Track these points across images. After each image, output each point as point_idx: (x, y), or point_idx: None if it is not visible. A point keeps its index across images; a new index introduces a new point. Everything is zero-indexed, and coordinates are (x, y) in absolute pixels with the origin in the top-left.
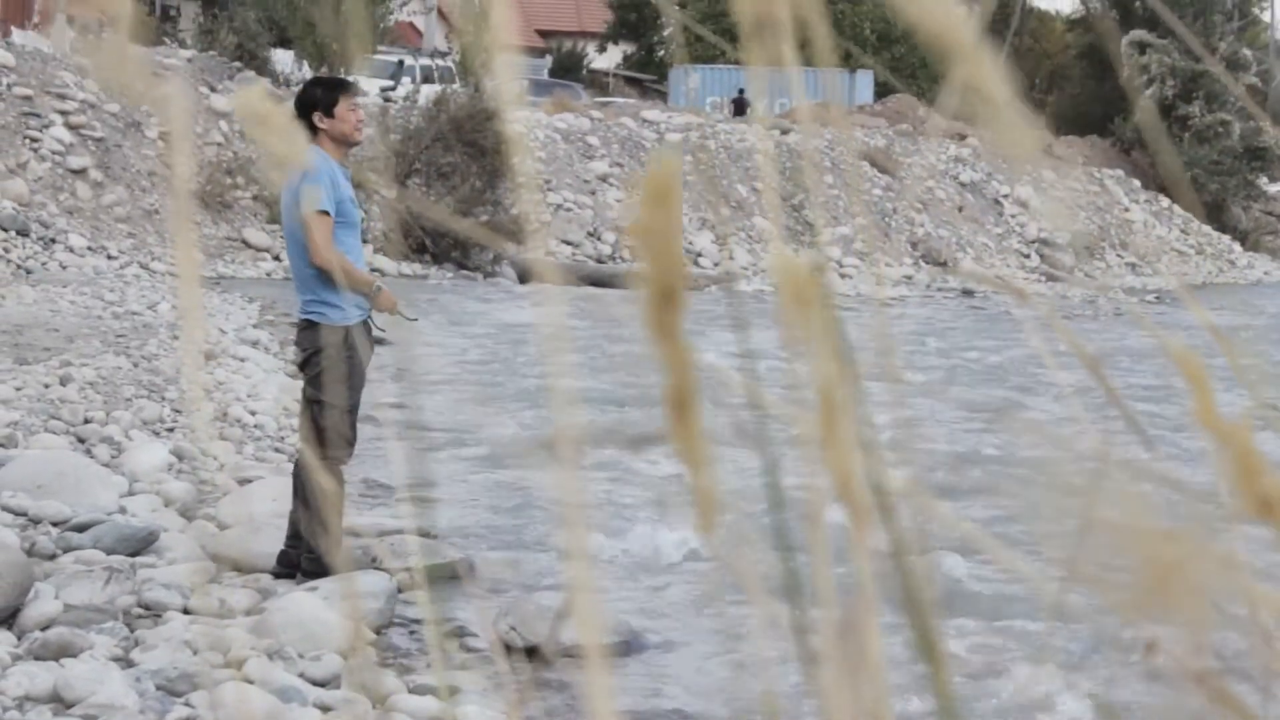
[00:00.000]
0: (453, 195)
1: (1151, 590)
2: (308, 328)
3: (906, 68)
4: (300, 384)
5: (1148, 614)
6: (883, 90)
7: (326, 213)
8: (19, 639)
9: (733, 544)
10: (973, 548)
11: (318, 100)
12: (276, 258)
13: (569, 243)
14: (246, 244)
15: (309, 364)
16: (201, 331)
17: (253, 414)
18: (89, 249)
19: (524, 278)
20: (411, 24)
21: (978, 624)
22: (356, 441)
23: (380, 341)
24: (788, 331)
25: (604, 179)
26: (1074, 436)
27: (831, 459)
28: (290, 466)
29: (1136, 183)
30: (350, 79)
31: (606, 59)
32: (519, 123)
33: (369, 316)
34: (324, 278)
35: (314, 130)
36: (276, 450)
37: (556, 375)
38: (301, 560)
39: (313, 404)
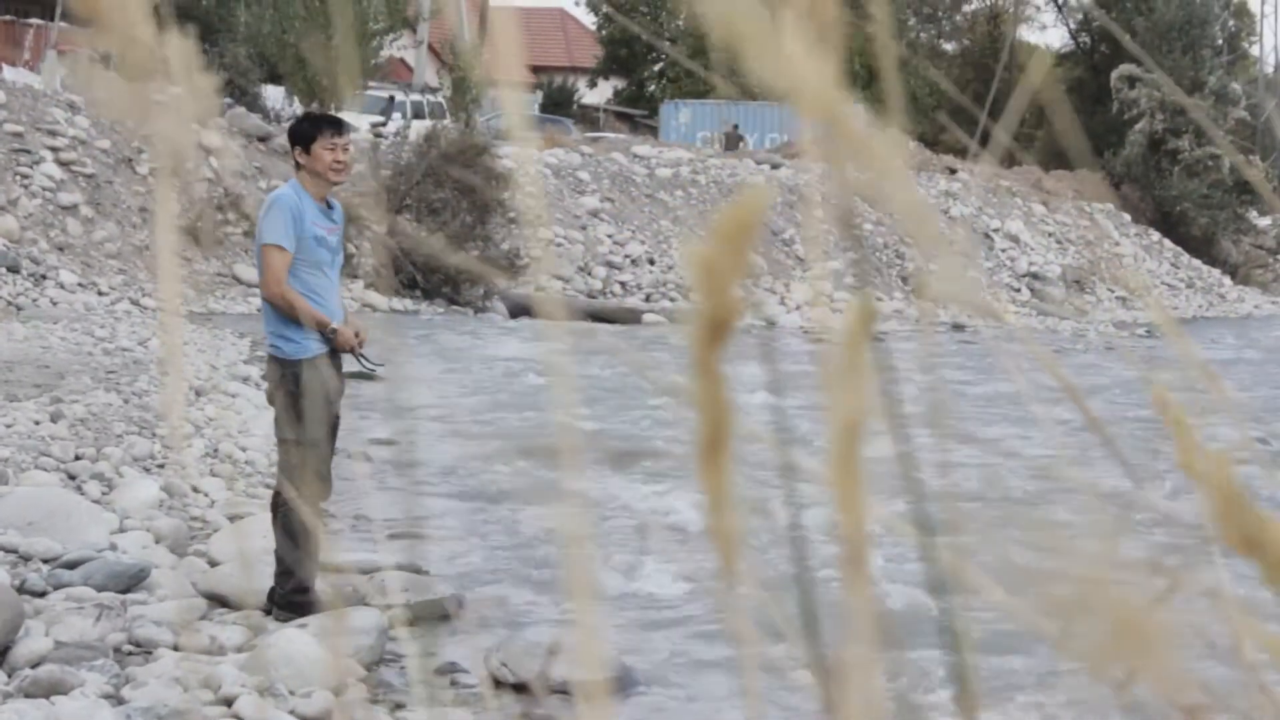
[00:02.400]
0: (443, 231)
1: (1116, 647)
2: (271, 361)
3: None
4: None
5: (1115, 669)
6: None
7: (281, 247)
8: (9, 676)
9: (732, 582)
10: (961, 583)
11: (300, 135)
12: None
13: (560, 278)
14: (237, 280)
15: (272, 399)
16: (184, 383)
17: (244, 450)
18: (80, 285)
19: (514, 313)
20: (402, 60)
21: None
22: (330, 477)
23: (370, 377)
24: (826, 373)
25: (595, 214)
26: (1062, 471)
27: (843, 500)
28: None
29: (1126, 216)
30: (338, 117)
31: (597, 94)
32: (510, 158)
33: (335, 350)
34: (282, 311)
35: (297, 167)
36: (267, 486)
37: (559, 408)
38: (276, 596)
39: (280, 439)
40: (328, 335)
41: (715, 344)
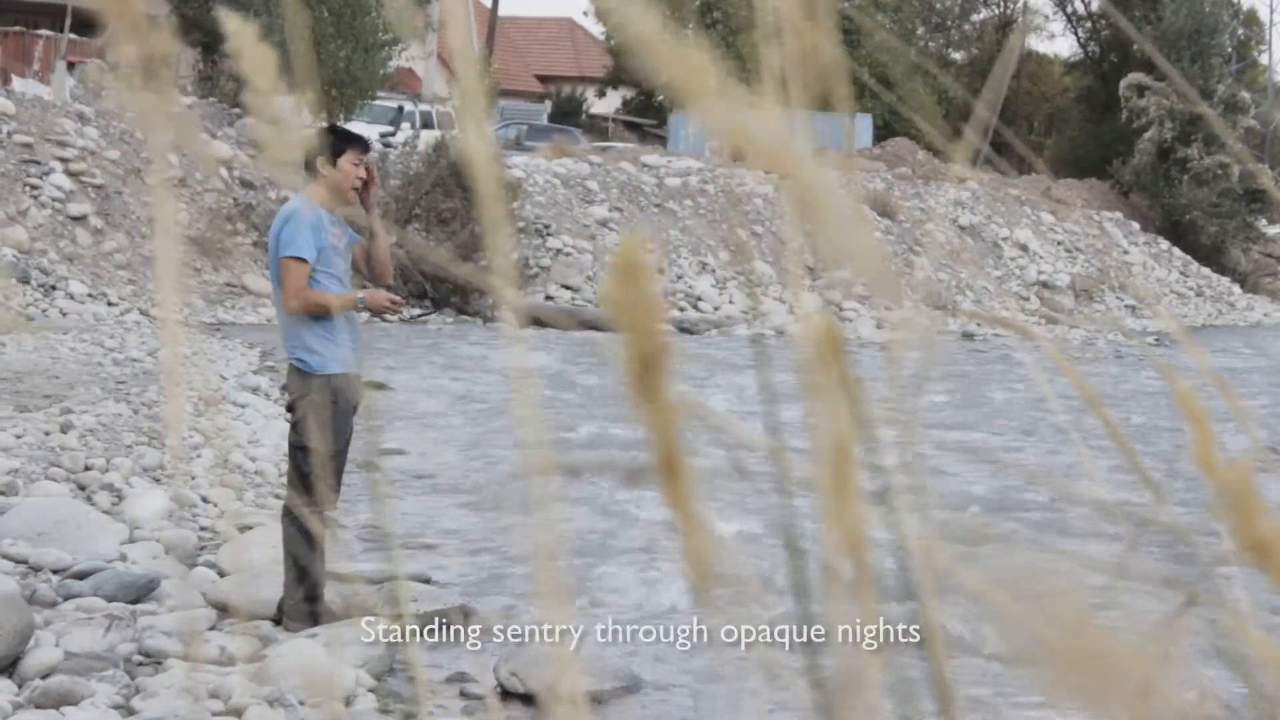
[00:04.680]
0: (452, 240)
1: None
2: (293, 372)
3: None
4: None
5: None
6: (881, 134)
7: (303, 260)
8: (19, 687)
9: (731, 593)
10: (973, 594)
11: (327, 147)
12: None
13: (569, 287)
14: (246, 290)
15: (293, 409)
16: (182, 395)
17: (253, 460)
18: (89, 296)
19: (524, 322)
20: (411, 69)
21: (975, 668)
22: (340, 489)
23: (380, 387)
24: (807, 382)
25: (604, 223)
26: (1073, 481)
27: (839, 513)
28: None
29: (1135, 225)
30: (363, 135)
31: (606, 104)
32: (518, 168)
33: (354, 369)
34: (304, 324)
35: (313, 175)
36: (276, 497)
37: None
38: (285, 606)
39: (293, 449)
40: (359, 306)
41: (653, 374)
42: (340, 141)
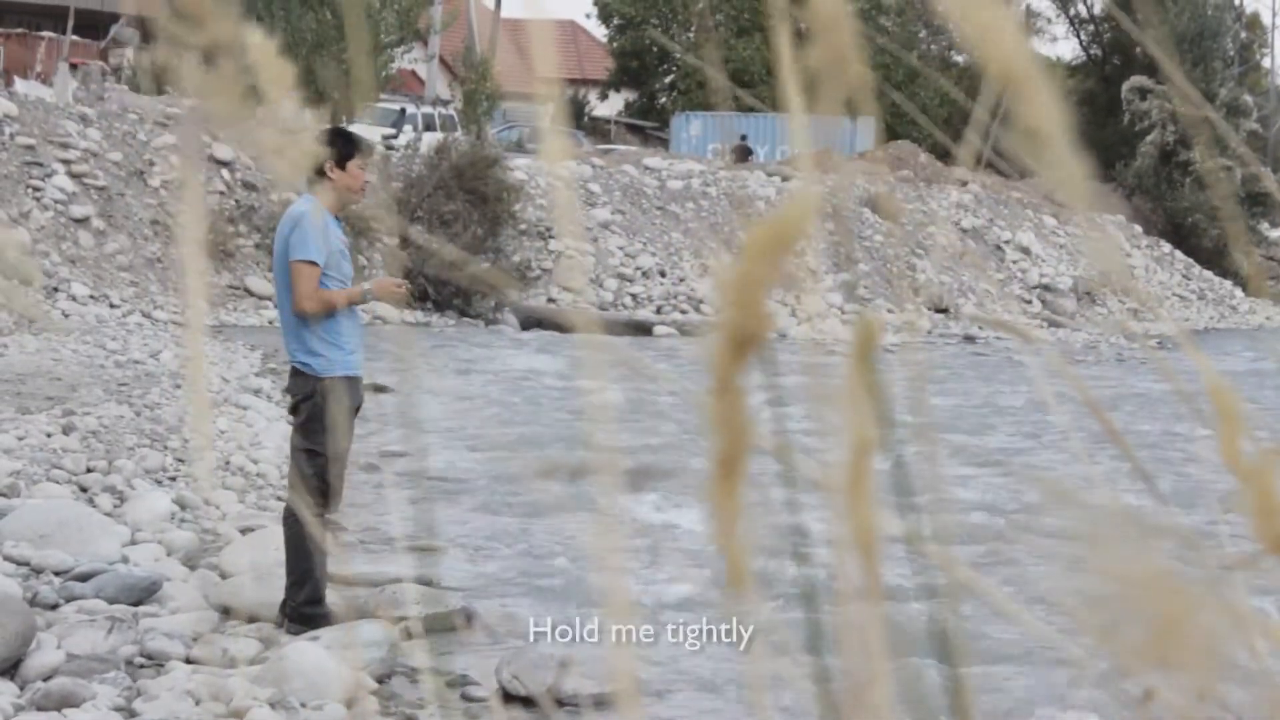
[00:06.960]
0: (454, 243)
1: (1155, 644)
2: (296, 375)
3: (908, 114)
4: None
5: (1150, 665)
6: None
7: (314, 263)
8: (21, 689)
9: (741, 594)
10: (979, 597)
11: (336, 149)
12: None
13: (570, 290)
14: (249, 292)
15: (296, 411)
16: (204, 380)
17: (255, 462)
18: (91, 298)
19: (525, 325)
20: (413, 72)
21: (983, 672)
22: (341, 492)
23: (382, 389)
24: (846, 384)
25: (605, 226)
26: (1077, 485)
27: (854, 511)
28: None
29: (1138, 228)
30: (365, 140)
31: (608, 106)
32: (520, 169)
33: (357, 371)
34: (308, 326)
35: (319, 179)
36: (279, 499)
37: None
38: (288, 608)
39: (296, 452)
40: (367, 298)
41: (739, 359)
42: (348, 145)
